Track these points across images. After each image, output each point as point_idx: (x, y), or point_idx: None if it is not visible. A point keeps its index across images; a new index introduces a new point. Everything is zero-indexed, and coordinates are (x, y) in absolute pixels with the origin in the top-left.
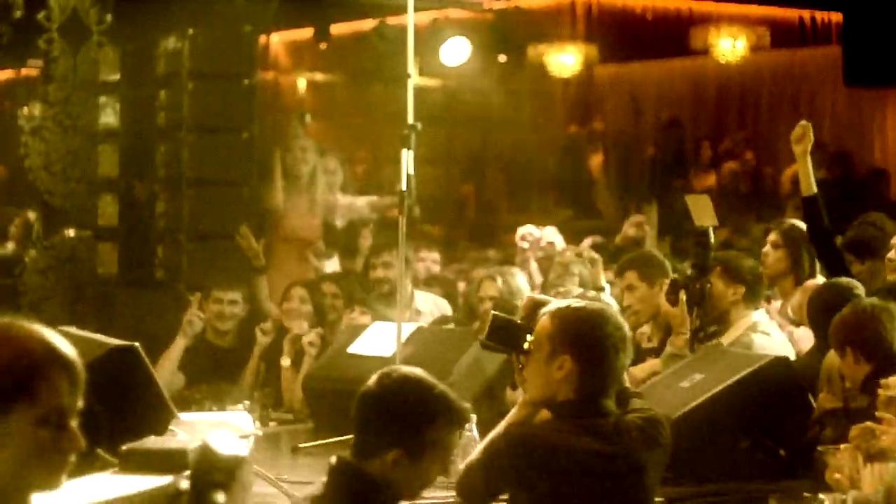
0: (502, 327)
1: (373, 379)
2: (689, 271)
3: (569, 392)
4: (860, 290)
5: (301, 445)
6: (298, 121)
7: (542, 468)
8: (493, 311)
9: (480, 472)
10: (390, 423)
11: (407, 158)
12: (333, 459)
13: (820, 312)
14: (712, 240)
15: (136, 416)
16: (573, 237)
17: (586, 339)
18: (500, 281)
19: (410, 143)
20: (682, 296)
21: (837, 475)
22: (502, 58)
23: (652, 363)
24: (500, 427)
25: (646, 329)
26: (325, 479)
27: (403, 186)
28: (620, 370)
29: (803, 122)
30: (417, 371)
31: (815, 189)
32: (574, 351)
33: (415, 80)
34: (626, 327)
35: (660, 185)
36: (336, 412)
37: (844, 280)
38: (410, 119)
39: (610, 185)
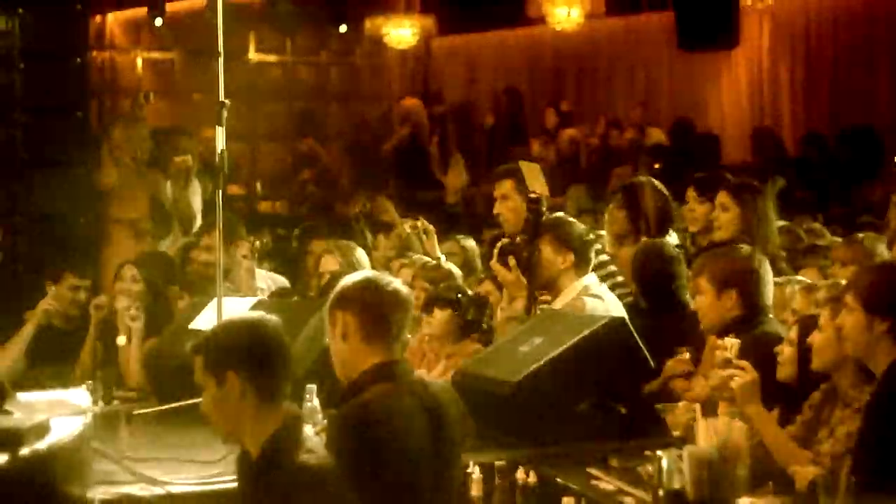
0: None
1: None
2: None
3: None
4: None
5: (136, 412)
6: (137, 103)
7: (393, 436)
8: None
9: None
10: None
11: (220, 135)
12: None
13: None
14: (544, 207)
15: None
16: (414, 209)
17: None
18: (338, 255)
19: (222, 120)
20: (513, 261)
21: (676, 432)
22: (343, 28)
23: None
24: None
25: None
26: None
27: (217, 161)
28: None
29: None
30: None
31: None
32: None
33: (251, 55)
34: None
35: (498, 154)
36: (179, 388)
37: (660, 241)
38: (221, 96)
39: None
